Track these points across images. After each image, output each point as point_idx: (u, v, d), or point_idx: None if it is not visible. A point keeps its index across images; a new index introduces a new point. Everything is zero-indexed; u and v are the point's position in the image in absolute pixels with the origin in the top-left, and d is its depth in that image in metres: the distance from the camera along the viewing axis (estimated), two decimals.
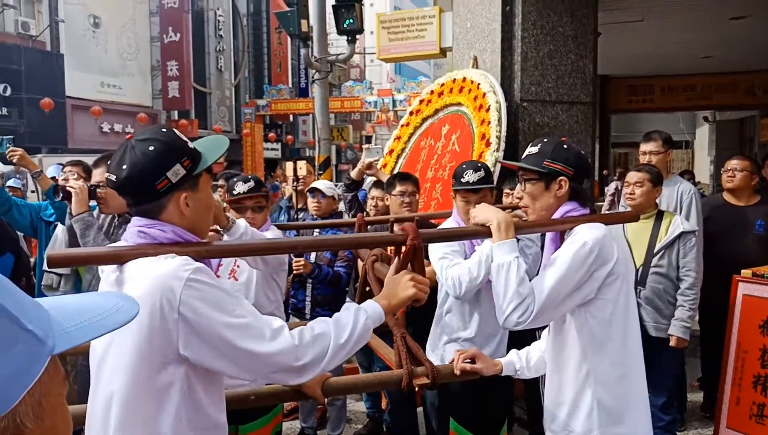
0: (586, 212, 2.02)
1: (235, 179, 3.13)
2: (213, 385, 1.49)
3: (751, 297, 3.50)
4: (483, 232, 2.43)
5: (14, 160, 3.84)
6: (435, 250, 2.80)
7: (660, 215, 3.69)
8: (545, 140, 2.11)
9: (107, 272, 1.54)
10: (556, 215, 2.04)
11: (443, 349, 2.87)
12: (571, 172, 2.00)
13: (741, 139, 14.93)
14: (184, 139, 1.53)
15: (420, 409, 3.70)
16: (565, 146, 2.07)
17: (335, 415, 4.07)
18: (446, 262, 2.72)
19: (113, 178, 1.47)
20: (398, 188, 3.58)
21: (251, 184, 3.07)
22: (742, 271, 3.62)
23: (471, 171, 2.80)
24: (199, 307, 1.36)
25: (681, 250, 3.55)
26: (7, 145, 4.23)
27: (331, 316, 3.76)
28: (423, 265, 1.84)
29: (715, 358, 3.96)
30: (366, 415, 4.41)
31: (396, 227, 1.94)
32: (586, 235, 1.91)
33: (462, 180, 2.80)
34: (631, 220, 2.23)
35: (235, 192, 3.05)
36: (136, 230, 1.48)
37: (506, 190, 3.99)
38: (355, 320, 1.54)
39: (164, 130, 1.52)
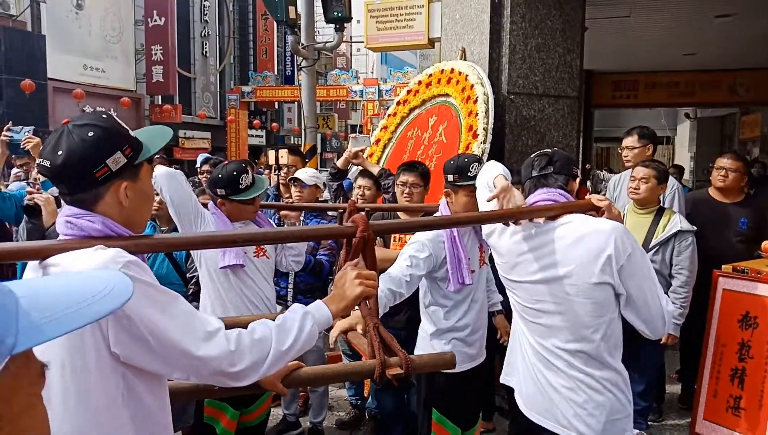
0: (533, 201, 2.16)
1: (233, 172, 2.99)
2: (156, 387, 1.41)
3: (730, 292, 3.56)
4: (439, 222, 2.45)
5: (28, 148, 3.80)
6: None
7: (660, 212, 3.75)
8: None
9: (34, 265, 1.42)
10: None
11: (432, 343, 2.87)
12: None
13: (721, 136, 15.10)
14: (125, 127, 1.47)
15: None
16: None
17: (317, 402, 4.08)
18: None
19: (47, 164, 1.38)
20: (400, 178, 3.53)
21: (251, 173, 3.05)
22: (723, 266, 3.67)
23: (476, 163, 2.76)
24: (130, 304, 1.28)
25: (676, 248, 3.63)
26: (26, 133, 4.16)
27: None
28: (374, 258, 1.81)
29: (693, 351, 4.02)
30: (349, 402, 4.43)
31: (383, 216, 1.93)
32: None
33: (469, 174, 2.74)
34: (586, 209, 2.19)
35: (242, 186, 2.98)
36: (64, 220, 1.40)
37: None
38: (300, 326, 1.49)
39: (104, 116, 1.45)
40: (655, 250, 3.65)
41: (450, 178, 2.84)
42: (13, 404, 0.59)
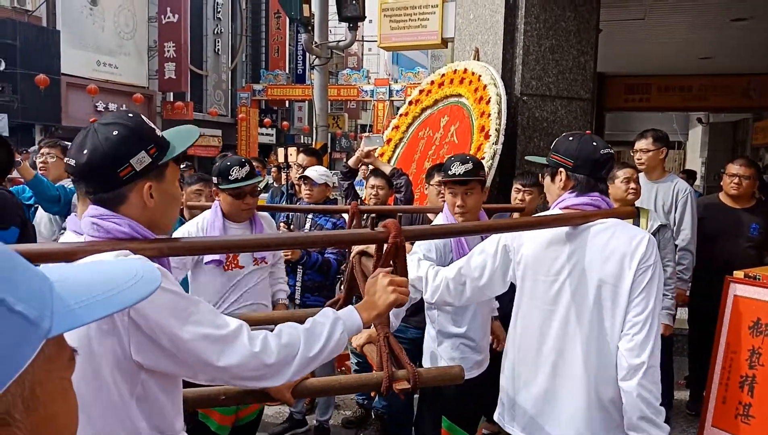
0: (582, 202, 2.04)
1: (227, 163, 3.02)
2: (171, 387, 1.40)
3: (742, 298, 3.52)
4: (471, 229, 2.40)
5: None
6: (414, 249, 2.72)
7: (637, 211, 3.77)
8: (564, 134, 2.19)
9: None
10: (553, 207, 2.13)
11: (438, 348, 2.83)
12: (571, 163, 2.06)
13: (734, 141, 14.97)
14: (152, 126, 1.45)
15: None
16: (570, 138, 2.12)
17: (324, 401, 4.09)
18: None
19: (72, 162, 1.37)
20: (435, 179, 3.51)
21: (247, 168, 2.99)
22: (734, 272, 3.64)
23: (458, 163, 2.71)
24: (150, 313, 1.25)
25: (661, 242, 3.67)
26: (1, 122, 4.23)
27: (321, 303, 3.73)
28: (405, 265, 1.78)
29: (702, 357, 4.00)
30: (355, 402, 4.43)
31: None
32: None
33: (449, 172, 2.73)
34: (629, 216, 2.19)
35: (231, 178, 2.96)
36: (90, 221, 1.37)
37: (517, 186, 3.97)
38: (329, 333, 1.46)
39: (131, 115, 1.43)
40: None
41: (441, 175, 2.90)
42: (46, 388, 0.59)
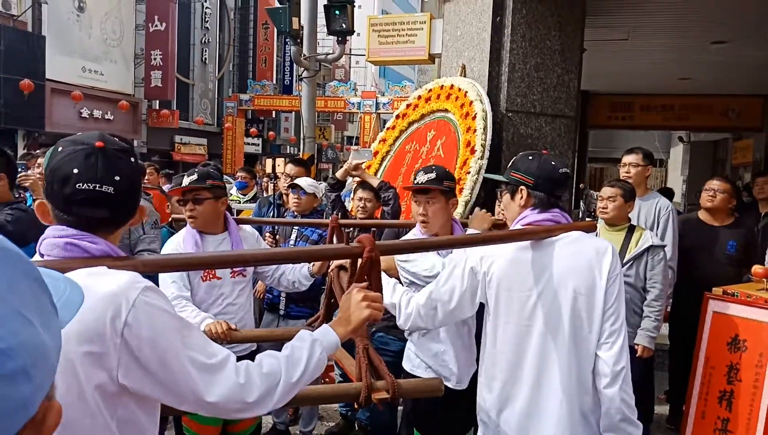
0: (543, 218, 2.11)
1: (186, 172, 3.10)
2: (152, 408, 1.36)
3: (720, 314, 3.59)
4: (445, 243, 2.40)
5: (26, 185, 3.66)
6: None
7: (631, 229, 3.83)
8: (522, 153, 2.27)
9: None
10: (514, 223, 2.19)
11: (417, 367, 2.83)
12: (532, 181, 2.14)
13: (714, 160, 15.22)
14: None
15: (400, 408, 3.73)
16: (530, 157, 2.21)
17: (307, 412, 4.09)
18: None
19: (110, 190, 1.32)
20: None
21: (194, 177, 2.93)
22: (713, 288, 3.71)
23: (422, 172, 2.75)
24: (145, 335, 1.21)
25: (649, 263, 3.71)
26: None
27: (306, 314, 3.69)
28: (380, 280, 1.79)
29: (682, 373, 4.06)
30: (339, 413, 4.43)
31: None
32: None
33: (414, 181, 2.75)
34: (589, 229, 2.24)
35: (182, 184, 2.99)
36: (62, 242, 1.31)
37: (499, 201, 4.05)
38: (309, 356, 1.45)
39: (119, 138, 1.43)
40: (629, 264, 3.70)
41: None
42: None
